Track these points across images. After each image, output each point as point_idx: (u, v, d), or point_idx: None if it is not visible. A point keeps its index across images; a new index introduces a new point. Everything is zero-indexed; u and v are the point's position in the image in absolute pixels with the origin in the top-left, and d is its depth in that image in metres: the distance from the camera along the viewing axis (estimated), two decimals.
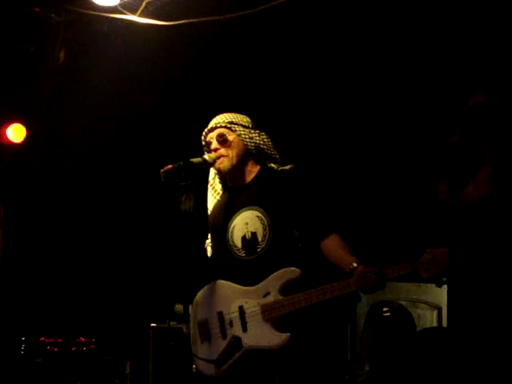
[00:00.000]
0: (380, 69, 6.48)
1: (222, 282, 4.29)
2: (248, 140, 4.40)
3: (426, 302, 6.88)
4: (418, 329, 6.17)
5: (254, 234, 4.30)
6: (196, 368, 4.32)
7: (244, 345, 4.13)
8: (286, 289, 4.15)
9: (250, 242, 4.29)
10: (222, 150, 4.37)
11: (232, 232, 4.34)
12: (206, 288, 4.36)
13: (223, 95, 6.60)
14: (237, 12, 5.60)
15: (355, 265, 4.04)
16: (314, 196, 4.38)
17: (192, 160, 4.30)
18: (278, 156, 4.45)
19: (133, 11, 5.86)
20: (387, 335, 5.93)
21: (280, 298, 4.13)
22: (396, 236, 6.59)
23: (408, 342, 5.84)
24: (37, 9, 6.22)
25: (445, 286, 6.77)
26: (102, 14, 6.02)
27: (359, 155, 6.89)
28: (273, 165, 4.45)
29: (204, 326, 4.25)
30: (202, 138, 4.48)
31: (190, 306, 4.35)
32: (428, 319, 6.83)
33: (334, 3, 6.05)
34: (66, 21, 6.34)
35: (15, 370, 6.41)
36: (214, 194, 4.57)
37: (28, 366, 6.47)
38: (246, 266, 4.27)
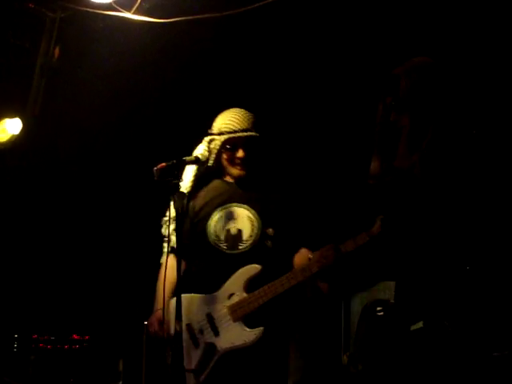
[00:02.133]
0: (376, 69, 6.46)
1: (186, 296, 4.23)
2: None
3: None
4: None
5: (239, 231, 4.32)
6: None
7: (219, 349, 4.15)
8: (250, 286, 4.17)
9: (234, 237, 4.31)
10: (247, 158, 4.38)
11: (217, 221, 4.33)
12: (169, 305, 4.29)
13: (218, 93, 6.59)
14: (232, 9, 5.59)
15: (311, 255, 4.11)
16: (297, 204, 4.44)
17: (185, 158, 4.30)
18: None
19: (128, 8, 5.84)
20: (381, 335, 5.93)
21: (245, 295, 4.15)
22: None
23: (402, 341, 5.84)
24: (31, 5, 6.20)
25: None
26: (96, 10, 6.00)
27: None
28: None
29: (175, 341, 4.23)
30: (221, 132, 4.40)
31: (169, 306, 4.30)
32: None
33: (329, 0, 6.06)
34: (60, 17, 6.31)
35: (7, 368, 6.40)
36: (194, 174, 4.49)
37: (21, 363, 6.46)
38: (224, 258, 4.29)
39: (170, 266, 4.34)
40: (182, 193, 4.07)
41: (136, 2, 5.82)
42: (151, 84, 6.89)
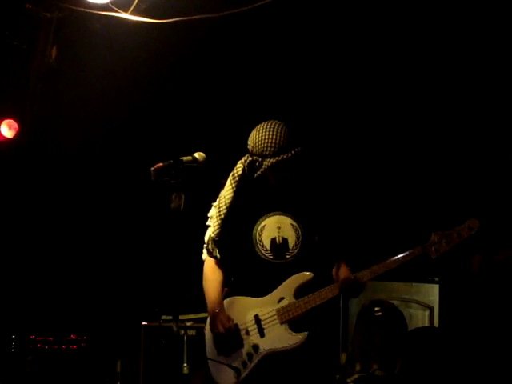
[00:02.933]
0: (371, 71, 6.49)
1: (234, 298, 4.31)
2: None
3: (417, 302, 6.89)
4: (409, 328, 6.18)
5: (285, 240, 4.32)
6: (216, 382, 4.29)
7: (262, 350, 4.17)
8: (300, 292, 4.20)
9: (279, 246, 4.31)
10: (291, 175, 4.38)
11: (261, 231, 4.34)
12: (224, 305, 4.35)
13: (214, 93, 6.60)
14: (228, 10, 5.59)
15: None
16: (336, 214, 4.48)
17: (182, 158, 4.28)
18: None
19: (124, 9, 5.84)
20: (379, 335, 5.93)
21: (294, 300, 4.19)
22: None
23: (399, 341, 5.84)
24: (28, 5, 6.20)
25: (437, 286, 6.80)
26: (93, 11, 6.00)
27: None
28: None
29: (221, 340, 4.26)
30: (264, 154, 4.35)
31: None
32: (420, 319, 6.84)
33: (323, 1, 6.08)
34: (57, 18, 6.32)
35: (5, 368, 6.40)
36: (234, 186, 4.48)
37: (18, 364, 6.45)
38: (271, 268, 4.29)
39: (212, 268, 4.44)
40: (180, 193, 4.06)
41: (133, 3, 5.82)
42: (148, 83, 6.90)
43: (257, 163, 4.34)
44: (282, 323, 4.21)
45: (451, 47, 6.24)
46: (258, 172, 4.34)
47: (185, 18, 5.79)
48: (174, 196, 3.99)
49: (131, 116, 7.18)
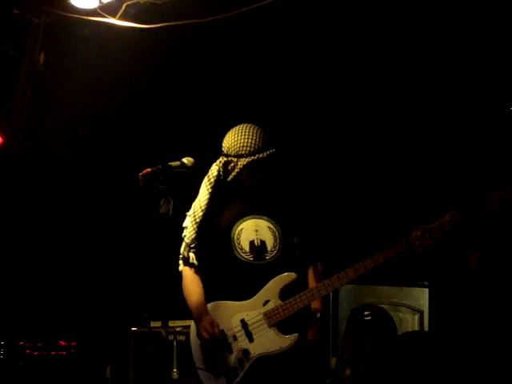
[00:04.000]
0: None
1: (217, 303, 4.30)
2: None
3: (407, 306, 6.90)
4: (399, 332, 6.18)
5: (263, 242, 4.35)
6: None
7: (253, 354, 4.17)
8: (284, 294, 4.20)
9: (258, 248, 4.33)
10: (265, 176, 4.40)
11: (239, 234, 4.36)
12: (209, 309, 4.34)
13: (202, 98, 6.61)
14: (215, 15, 5.60)
15: None
16: (312, 215, 4.50)
17: (170, 163, 4.28)
18: None
19: (113, 14, 5.84)
20: (368, 339, 5.94)
21: (280, 302, 4.18)
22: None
23: (389, 345, 5.85)
24: (16, 11, 6.19)
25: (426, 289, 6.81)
26: (81, 16, 6.00)
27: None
28: None
29: (207, 347, 4.24)
30: (239, 154, 4.38)
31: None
32: (409, 323, 6.85)
33: (316, 6, 6.08)
34: (45, 23, 6.31)
35: None
36: (209, 189, 4.49)
37: (7, 370, 6.43)
38: (252, 269, 4.31)
39: (190, 277, 4.43)
40: (168, 198, 4.05)
41: (121, 8, 5.82)
42: (136, 88, 6.90)
43: (232, 164, 4.38)
44: (270, 326, 4.21)
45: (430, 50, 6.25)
46: (233, 173, 4.38)
47: (173, 23, 5.79)
48: (162, 201, 3.99)
49: (119, 121, 7.18)
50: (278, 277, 4.26)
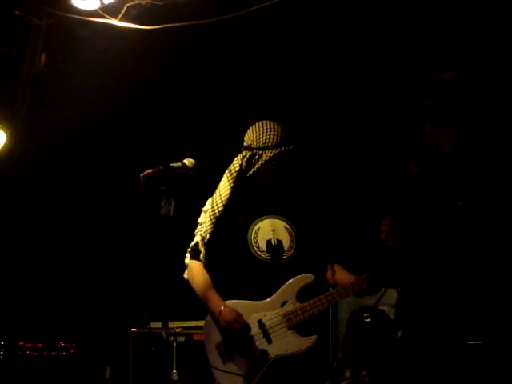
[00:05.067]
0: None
1: (233, 302, 4.27)
2: None
3: None
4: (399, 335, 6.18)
5: (280, 242, 4.36)
6: None
7: (271, 355, 4.17)
8: (301, 295, 4.21)
9: (275, 247, 4.33)
10: (288, 170, 4.41)
11: (256, 233, 4.35)
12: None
13: (204, 99, 6.61)
14: (217, 17, 5.60)
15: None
16: (328, 221, 4.52)
17: (172, 165, 4.28)
18: None
19: (114, 15, 5.84)
20: (368, 341, 5.93)
21: (299, 304, 4.19)
22: None
23: (389, 347, 5.84)
24: (18, 12, 6.19)
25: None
26: (82, 17, 5.99)
27: None
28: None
29: (223, 347, 4.23)
30: (266, 146, 4.40)
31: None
32: None
33: (317, 7, 6.08)
34: (46, 24, 6.31)
35: None
36: (231, 183, 4.48)
37: (7, 370, 6.43)
38: (270, 268, 4.31)
39: (200, 270, 4.38)
40: (169, 199, 4.05)
41: (122, 9, 5.82)
42: (137, 90, 6.89)
43: (256, 156, 4.39)
44: (289, 328, 4.21)
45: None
46: (257, 165, 4.38)
47: (174, 25, 5.79)
48: (163, 203, 3.98)
49: (120, 122, 7.18)
50: (295, 278, 4.26)
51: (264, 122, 4.46)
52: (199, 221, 4.48)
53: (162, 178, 4.03)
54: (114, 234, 7.35)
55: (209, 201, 4.48)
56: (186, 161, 4.30)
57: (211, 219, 4.41)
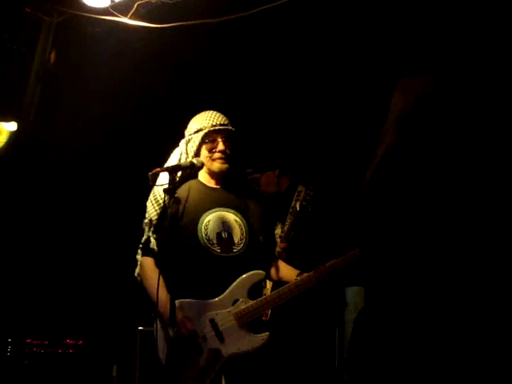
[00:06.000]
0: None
1: (184, 301, 4.23)
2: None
3: None
4: None
5: (230, 235, 4.33)
6: None
7: (224, 355, 4.16)
8: (252, 292, 4.20)
9: (225, 240, 4.31)
10: (227, 151, 4.40)
11: (206, 225, 4.33)
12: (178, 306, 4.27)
13: (213, 97, 6.60)
14: (228, 15, 5.60)
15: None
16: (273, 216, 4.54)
17: (180, 163, 4.30)
18: None
19: (124, 13, 5.84)
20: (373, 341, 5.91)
21: (250, 302, 4.18)
22: None
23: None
24: (28, 9, 6.20)
25: None
26: (93, 15, 6.00)
27: None
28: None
29: (177, 346, 4.16)
30: (199, 129, 4.44)
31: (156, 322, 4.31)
32: None
33: (325, 7, 6.07)
34: (57, 22, 6.32)
35: (1, 372, 6.39)
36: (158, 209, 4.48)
37: (14, 367, 6.44)
38: (220, 261, 4.28)
39: (151, 268, 4.35)
40: (178, 198, 4.05)
41: (132, 7, 5.82)
42: (147, 87, 6.90)
43: (193, 140, 4.42)
44: (241, 326, 4.19)
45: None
46: (194, 148, 4.40)
47: (184, 23, 5.78)
48: (171, 201, 3.98)
49: (130, 120, 7.19)
50: (246, 275, 4.24)
51: (204, 111, 4.53)
52: (146, 215, 4.47)
53: (170, 176, 4.03)
54: (120, 232, 7.35)
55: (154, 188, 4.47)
56: (194, 160, 4.31)
57: (155, 207, 4.42)
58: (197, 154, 4.44)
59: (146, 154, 6.79)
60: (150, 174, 4.07)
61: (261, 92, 6.82)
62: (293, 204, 5.54)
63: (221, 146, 4.41)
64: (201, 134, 4.41)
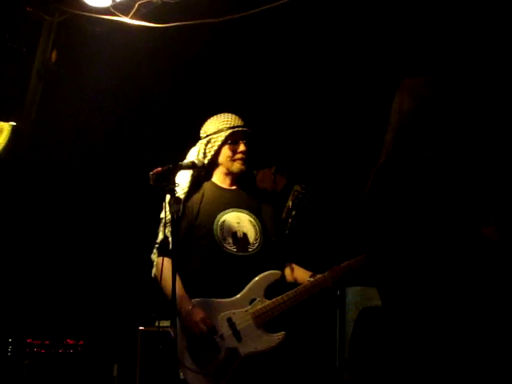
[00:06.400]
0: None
1: (202, 300, 4.27)
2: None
3: None
4: None
5: (245, 235, 4.38)
6: None
7: (242, 354, 4.19)
8: (269, 292, 4.22)
9: (241, 240, 4.36)
10: (247, 153, 4.47)
11: (222, 225, 4.36)
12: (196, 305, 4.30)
13: (215, 97, 6.60)
14: (229, 15, 5.60)
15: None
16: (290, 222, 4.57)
17: (181, 163, 4.30)
18: None
19: (125, 13, 5.85)
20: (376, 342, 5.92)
21: (267, 301, 4.20)
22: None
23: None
24: (29, 8, 6.21)
25: None
26: (94, 15, 6.01)
27: None
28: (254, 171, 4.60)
29: (194, 345, 4.22)
30: (219, 129, 4.47)
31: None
32: None
33: (327, 7, 6.07)
34: (58, 21, 6.33)
35: (1, 372, 6.38)
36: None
37: (15, 367, 6.43)
38: (236, 260, 4.33)
39: (169, 267, 4.25)
40: (178, 198, 4.05)
41: (133, 7, 5.82)
42: (148, 87, 6.90)
43: (212, 141, 4.44)
44: (258, 326, 4.22)
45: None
46: (215, 147, 4.44)
47: (185, 23, 5.79)
48: (172, 201, 3.98)
49: (131, 120, 7.18)
50: (262, 274, 4.29)
51: (221, 113, 4.58)
52: (161, 215, 4.47)
53: (171, 176, 4.04)
54: (121, 231, 7.35)
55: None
56: (195, 159, 4.32)
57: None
58: (216, 154, 4.49)
59: (147, 153, 6.79)
60: (151, 173, 4.07)
61: (265, 90, 6.81)
62: (287, 203, 5.56)
63: (242, 148, 4.48)
64: (223, 134, 4.46)
